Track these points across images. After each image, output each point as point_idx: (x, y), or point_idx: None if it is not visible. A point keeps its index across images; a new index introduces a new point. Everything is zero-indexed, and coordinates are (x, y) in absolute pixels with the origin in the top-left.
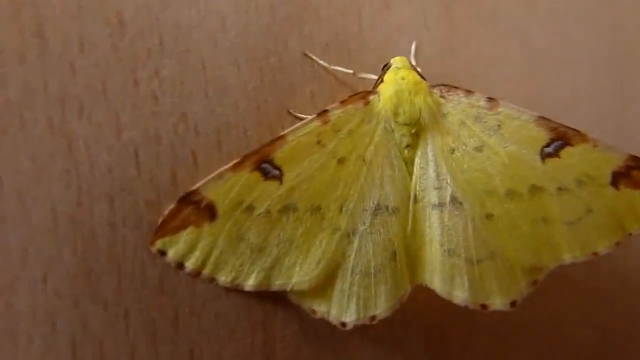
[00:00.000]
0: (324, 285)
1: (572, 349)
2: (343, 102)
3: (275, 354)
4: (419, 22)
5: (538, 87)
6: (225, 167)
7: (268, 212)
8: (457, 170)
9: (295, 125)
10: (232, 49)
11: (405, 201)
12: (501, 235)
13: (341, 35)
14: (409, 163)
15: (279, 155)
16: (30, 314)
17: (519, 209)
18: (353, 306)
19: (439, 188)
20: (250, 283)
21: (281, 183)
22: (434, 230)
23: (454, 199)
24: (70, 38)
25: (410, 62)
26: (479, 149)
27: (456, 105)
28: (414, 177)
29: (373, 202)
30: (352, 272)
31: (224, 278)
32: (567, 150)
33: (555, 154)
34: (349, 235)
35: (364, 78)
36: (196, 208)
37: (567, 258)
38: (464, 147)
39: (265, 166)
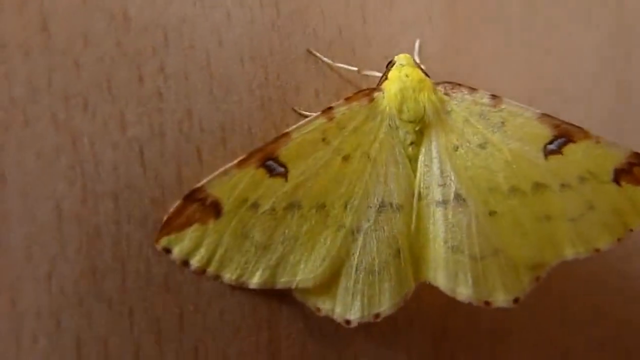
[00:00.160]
0: (329, 283)
1: (577, 347)
2: (348, 100)
3: (280, 351)
4: (423, 19)
5: (541, 84)
6: (230, 164)
7: (273, 209)
8: (460, 168)
9: (300, 123)
10: (237, 46)
11: (410, 198)
12: (504, 232)
13: (345, 32)
14: (413, 160)
15: (284, 152)
16: (35, 313)
17: (522, 206)
18: (357, 304)
19: (443, 185)
20: (255, 281)
21: (286, 180)
22: (438, 227)
23: (457, 196)
24: (75, 33)
25: (414, 60)
26: (482, 146)
27: (460, 103)
28: (418, 175)
29: (377, 200)
30: (356, 270)
31: (229, 276)
32: (570, 147)
33: (558, 151)
34: (353, 232)
35: (368, 75)
36: (201, 205)
37: (569, 254)
38: (467, 144)
39: (271, 163)
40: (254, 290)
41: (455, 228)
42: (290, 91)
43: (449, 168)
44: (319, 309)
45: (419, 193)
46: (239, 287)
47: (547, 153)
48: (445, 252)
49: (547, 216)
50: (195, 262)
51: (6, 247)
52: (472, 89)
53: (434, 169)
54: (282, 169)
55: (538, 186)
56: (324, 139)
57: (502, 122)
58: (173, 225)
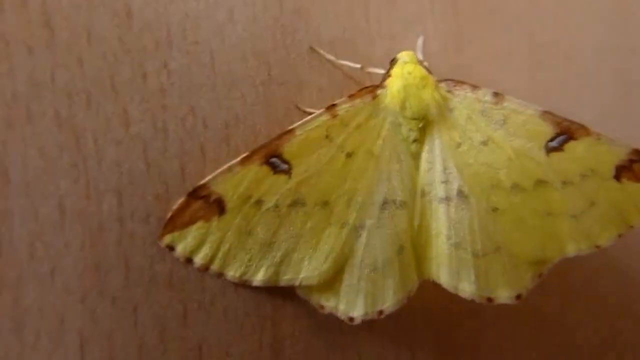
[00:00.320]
0: (332, 280)
1: (581, 345)
2: (351, 97)
3: (284, 349)
4: (426, 16)
5: (543, 81)
6: (234, 161)
7: (277, 206)
8: (463, 165)
9: (304, 120)
10: (240, 42)
11: (413, 195)
12: (506, 229)
13: (348, 29)
14: (416, 157)
15: (288, 149)
16: (38, 310)
17: (524, 203)
18: (361, 301)
19: (446, 182)
20: (258, 278)
21: (290, 177)
22: (441, 224)
23: (460, 193)
24: (78, 30)
25: (417, 57)
26: (484, 143)
27: (462, 100)
28: (421, 171)
29: (381, 196)
30: (360, 267)
31: (232, 273)
32: (571, 144)
33: (559, 148)
34: (357, 229)
35: (371, 72)
36: (205, 202)
37: (571, 251)
38: (470, 141)
39: (274, 160)
40: (257, 288)
41: (457, 225)
42: (293, 88)
43: (451, 165)
44: (322, 306)
45: (422, 190)
46: (243, 285)
47: (549, 150)
48: (448, 248)
49: (548, 213)
50: (199, 259)
51: (9, 244)
52: (475, 87)
53: (436, 166)
54: (285, 166)
55: (540, 183)
56: (327, 136)
57: (504, 120)
58: (177, 222)
